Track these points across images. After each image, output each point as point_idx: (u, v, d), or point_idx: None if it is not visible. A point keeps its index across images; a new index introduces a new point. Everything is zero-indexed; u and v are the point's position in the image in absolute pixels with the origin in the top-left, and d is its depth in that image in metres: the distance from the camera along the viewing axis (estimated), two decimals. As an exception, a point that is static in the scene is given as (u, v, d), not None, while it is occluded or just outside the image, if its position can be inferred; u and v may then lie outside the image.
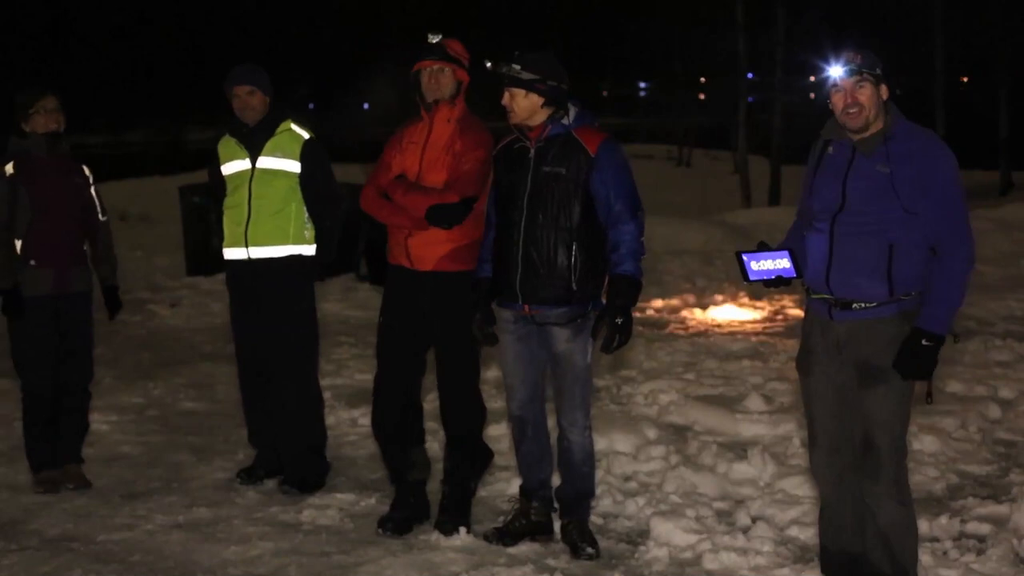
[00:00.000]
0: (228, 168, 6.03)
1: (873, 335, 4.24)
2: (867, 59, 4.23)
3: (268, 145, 5.96)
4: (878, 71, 4.22)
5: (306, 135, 6.02)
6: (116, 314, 6.28)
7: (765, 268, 4.40)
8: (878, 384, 4.24)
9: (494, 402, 7.46)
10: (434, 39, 5.24)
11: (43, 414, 6.01)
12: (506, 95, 4.96)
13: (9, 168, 5.88)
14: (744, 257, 4.42)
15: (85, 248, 6.09)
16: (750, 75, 23.58)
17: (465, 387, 5.37)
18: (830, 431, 4.40)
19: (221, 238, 6.08)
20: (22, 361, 5.99)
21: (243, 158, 5.98)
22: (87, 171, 6.13)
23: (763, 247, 4.45)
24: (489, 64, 5.01)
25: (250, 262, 5.95)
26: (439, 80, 5.25)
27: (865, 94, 4.21)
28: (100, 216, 6.15)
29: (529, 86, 4.92)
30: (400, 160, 5.32)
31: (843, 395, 4.35)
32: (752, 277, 4.42)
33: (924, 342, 4.15)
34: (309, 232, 5.99)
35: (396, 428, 5.41)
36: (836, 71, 4.23)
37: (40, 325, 5.91)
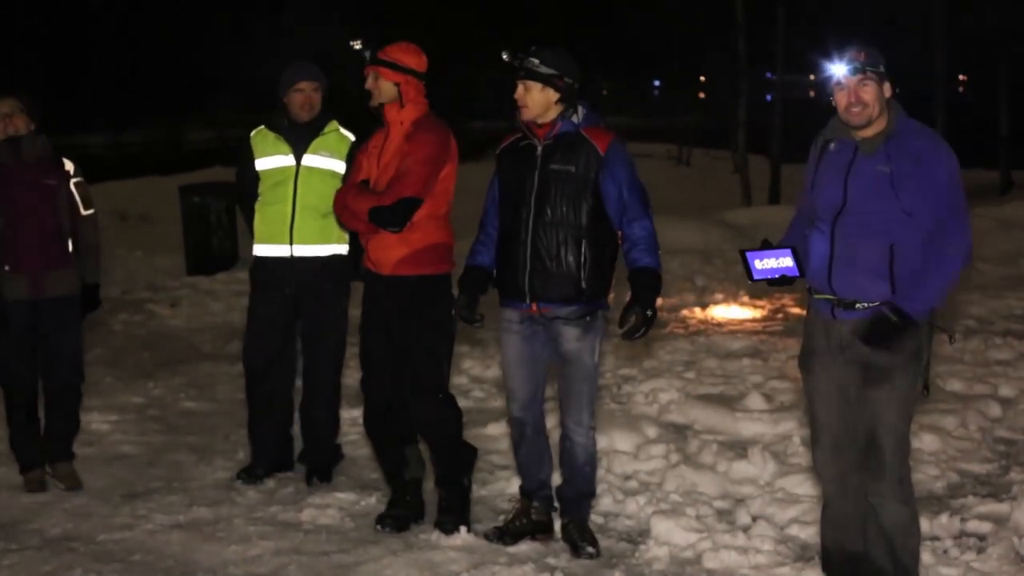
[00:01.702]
0: (265, 163, 6.01)
1: None
2: (871, 56, 4.20)
3: (315, 143, 5.96)
4: (881, 68, 4.20)
5: (352, 137, 6.03)
6: (88, 313, 6.11)
7: (769, 267, 4.40)
8: (882, 384, 4.24)
9: (494, 401, 7.47)
10: (356, 46, 5.24)
11: (21, 413, 6.01)
12: (520, 88, 4.93)
13: None
14: (748, 256, 4.42)
15: (69, 250, 5.95)
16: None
17: (431, 393, 5.31)
18: (832, 430, 4.40)
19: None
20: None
21: (286, 154, 5.97)
22: (67, 165, 5.97)
23: (766, 245, 4.45)
24: (506, 55, 4.98)
25: (292, 260, 5.95)
26: (375, 85, 5.25)
27: (869, 92, 4.19)
28: (82, 210, 5.99)
29: (547, 80, 4.90)
30: (367, 165, 5.34)
31: (846, 394, 4.35)
32: (756, 276, 4.42)
33: (892, 317, 4.10)
34: (348, 232, 5.99)
35: (385, 427, 5.42)
36: (839, 69, 4.20)
37: (17, 329, 5.88)
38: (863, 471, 4.34)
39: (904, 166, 4.15)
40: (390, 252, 5.21)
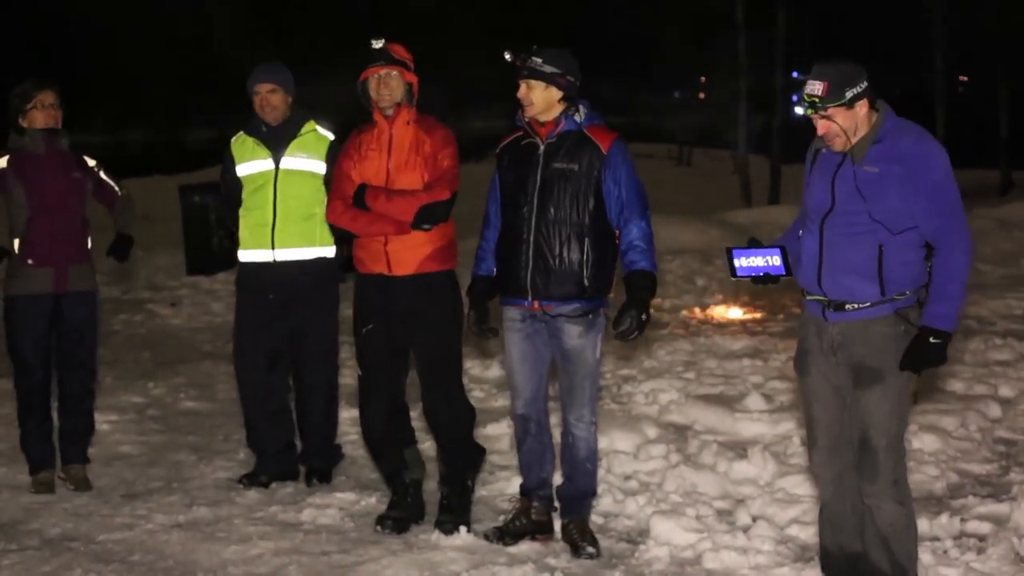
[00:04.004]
0: (246, 168, 5.98)
1: (867, 336, 4.24)
2: (835, 86, 4.10)
3: (292, 145, 5.93)
4: (849, 94, 4.10)
5: (331, 136, 5.99)
6: (122, 259, 6.18)
7: (754, 264, 4.40)
8: (874, 385, 4.23)
9: (494, 401, 7.47)
10: (377, 44, 5.24)
11: (37, 411, 5.99)
12: (523, 87, 4.95)
13: (2, 163, 5.83)
14: (734, 252, 4.43)
15: (89, 245, 6.02)
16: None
17: (451, 390, 5.35)
18: (829, 431, 4.40)
19: (234, 239, 6.05)
20: (16, 358, 5.96)
21: (264, 158, 5.95)
22: (90, 162, 6.03)
23: (754, 244, 4.45)
24: (508, 55, 5.00)
25: (275, 265, 5.92)
26: (389, 84, 5.23)
27: (840, 120, 4.14)
28: (119, 192, 6.13)
29: (550, 79, 4.92)
30: (360, 169, 5.30)
31: (841, 395, 4.35)
32: (739, 273, 4.43)
33: (932, 339, 4.12)
34: (332, 234, 5.98)
35: (386, 432, 5.42)
36: (799, 109, 4.16)
37: (37, 323, 5.89)
38: (859, 471, 4.34)
39: (891, 168, 4.13)
40: (417, 251, 5.22)
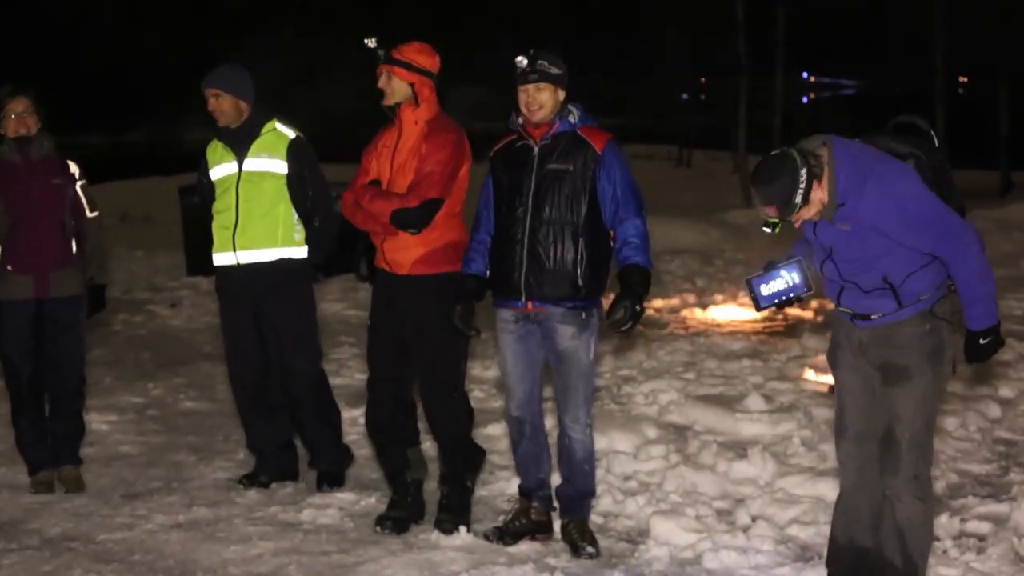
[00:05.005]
0: (216, 172, 5.97)
1: (893, 337, 4.30)
2: (782, 205, 4.11)
3: (254, 146, 5.90)
4: (798, 200, 4.10)
5: (292, 134, 5.96)
6: (94, 314, 6.14)
7: (777, 289, 4.37)
8: (901, 382, 4.30)
9: (494, 401, 7.47)
10: (369, 43, 5.22)
11: (28, 408, 6.00)
12: (532, 90, 4.92)
13: None
14: (753, 283, 4.39)
15: (73, 250, 5.97)
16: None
17: (447, 391, 5.34)
18: (857, 422, 4.45)
19: (211, 244, 6.03)
20: (2, 358, 5.98)
21: (230, 161, 5.92)
22: (72, 168, 5.99)
23: (770, 265, 4.43)
24: (523, 60, 4.94)
25: (239, 267, 5.89)
26: (388, 84, 5.23)
27: (807, 217, 4.21)
28: (88, 213, 6.01)
29: (558, 81, 4.92)
30: (376, 165, 5.32)
31: (871, 388, 4.41)
32: (764, 304, 4.39)
33: (981, 340, 4.27)
34: (300, 234, 5.93)
35: (388, 429, 5.42)
36: (767, 231, 4.22)
37: (20, 328, 5.89)
38: (881, 465, 4.37)
39: (861, 224, 4.17)
40: (408, 252, 5.22)
